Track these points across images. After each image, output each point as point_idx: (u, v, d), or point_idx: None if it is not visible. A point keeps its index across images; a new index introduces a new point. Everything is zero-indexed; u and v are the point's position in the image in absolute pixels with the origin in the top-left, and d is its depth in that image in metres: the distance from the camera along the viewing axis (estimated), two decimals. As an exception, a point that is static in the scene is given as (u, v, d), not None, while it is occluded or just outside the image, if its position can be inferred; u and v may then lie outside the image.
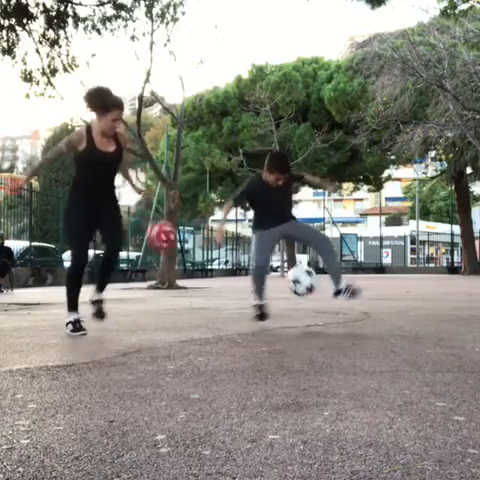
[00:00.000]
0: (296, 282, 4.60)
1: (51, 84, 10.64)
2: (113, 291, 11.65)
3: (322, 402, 2.18)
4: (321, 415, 2.00)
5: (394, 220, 54.10)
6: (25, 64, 10.37)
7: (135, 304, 7.87)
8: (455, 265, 33.71)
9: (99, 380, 2.59)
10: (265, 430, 1.82)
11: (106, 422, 1.91)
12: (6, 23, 9.75)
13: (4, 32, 9.79)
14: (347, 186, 37.65)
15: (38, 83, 10.55)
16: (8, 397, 2.27)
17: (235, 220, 37.90)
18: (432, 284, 16.60)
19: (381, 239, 37.69)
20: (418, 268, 35.33)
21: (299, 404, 2.15)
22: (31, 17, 9.88)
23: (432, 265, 38.35)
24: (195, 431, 1.81)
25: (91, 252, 15.79)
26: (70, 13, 10.21)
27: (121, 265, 23.12)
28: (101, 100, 4.02)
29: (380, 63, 22.29)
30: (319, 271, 5.52)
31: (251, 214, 5.09)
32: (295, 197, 40.81)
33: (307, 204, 55.27)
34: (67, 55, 10.47)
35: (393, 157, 29.00)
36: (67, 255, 18.94)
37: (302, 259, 33.98)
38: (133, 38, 11.27)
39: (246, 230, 42.63)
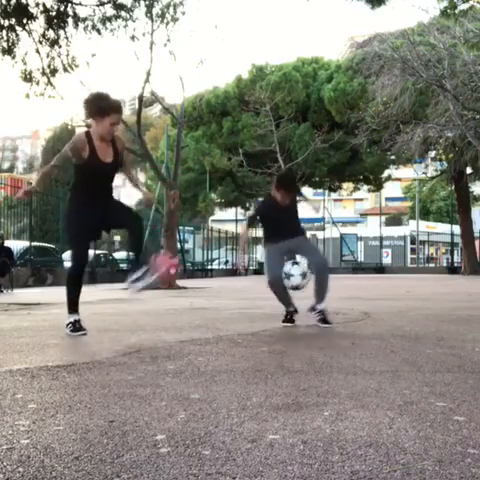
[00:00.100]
0: (288, 276, 4.61)
1: (51, 84, 10.64)
2: (113, 291, 11.67)
3: (322, 402, 2.18)
4: (321, 415, 2.00)
5: (394, 220, 54.08)
6: (25, 64, 10.38)
7: (135, 304, 7.87)
8: (455, 265, 33.70)
9: (99, 380, 2.59)
10: (265, 430, 1.82)
11: (106, 422, 1.91)
12: (6, 23, 9.74)
13: (4, 32, 9.79)
14: (347, 186, 37.62)
15: (38, 83, 10.55)
16: (8, 397, 2.27)
17: (235, 220, 37.91)
18: (432, 284, 16.60)
19: (381, 239, 37.68)
20: (418, 268, 35.32)
21: (299, 404, 2.15)
22: (31, 17, 9.88)
23: (432, 265, 38.33)
24: (195, 431, 1.81)
25: (91, 252, 15.80)
26: (70, 13, 10.21)
27: (121, 265, 23.13)
28: (98, 105, 4.03)
29: (380, 63, 22.30)
30: None
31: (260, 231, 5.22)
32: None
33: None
34: (67, 55, 10.47)
35: (393, 157, 29.01)
36: (67, 255, 18.94)
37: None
38: (133, 38, 11.27)
39: (246, 230, 42.59)
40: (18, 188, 17.84)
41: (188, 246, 28.52)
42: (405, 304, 7.86)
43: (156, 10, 11.96)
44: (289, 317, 4.88)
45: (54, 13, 10.07)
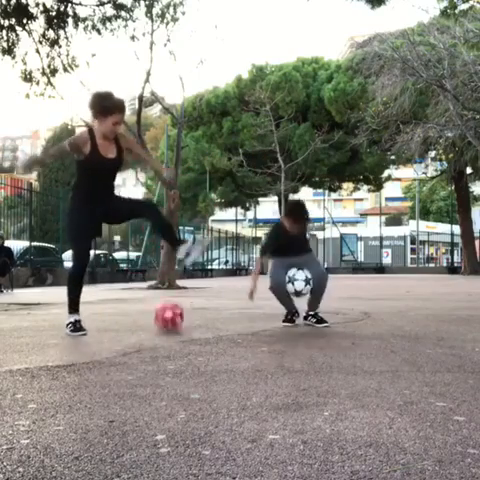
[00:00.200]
0: (293, 280, 4.63)
1: (51, 84, 10.64)
2: (113, 291, 11.68)
3: (322, 402, 2.18)
4: (321, 415, 2.00)
5: (394, 220, 54.08)
6: (25, 64, 10.37)
7: (135, 304, 7.87)
8: (455, 265, 33.70)
9: (99, 380, 2.59)
10: (265, 430, 1.82)
11: (106, 422, 1.91)
12: (6, 23, 9.74)
13: (4, 32, 9.78)
14: (347, 186, 37.64)
15: (38, 83, 10.55)
16: (8, 397, 2.27)
17: (235, 220, 37.91)
18: (432, 284, 16.60)
19: (381, 239, 37.67)
20: (418, 268, 35.31)
21: (299, 404, 2.15)
22: (31, 17, 9.88)
23: (432, 265, 38.32)
24: (195, 431, 1.81)
25: (91, 252, 15.78)
26: (70, 13, 10.20)
27: (121, 265, 23.14)
28: (101, 104, 4.04)
29: (380, 63, 22.30)
30: None
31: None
32: (295, 197, 40.82)
33: (307, 204, 55.12)
34: (67, 55, 10.47)
35: (393, 157, 29.02)
36: (67, 255, 18.94)
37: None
38: (133, 38, 11.27)
39: (246, 230, 42.67)
40: (18, 188, 17.85)
41: (188, 246, 28.48)
42: (405, 304, 7.86)
43: (156, 10, 11.97)
44: (289, 317, 4.89)
45: (54, 13, 10.07)
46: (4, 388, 2.43)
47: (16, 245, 15.40)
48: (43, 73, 10.52)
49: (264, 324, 4.94)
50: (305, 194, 44.50)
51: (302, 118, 29.13)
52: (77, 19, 10.29)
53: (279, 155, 25.93)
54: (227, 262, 32.98)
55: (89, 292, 9.18)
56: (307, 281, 4.63)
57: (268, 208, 48.13)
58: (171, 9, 12.17)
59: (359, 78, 26.81)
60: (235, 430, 1.82)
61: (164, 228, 4.51)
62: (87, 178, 4.20)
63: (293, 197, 38.07)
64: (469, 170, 28.59)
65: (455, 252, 35.70)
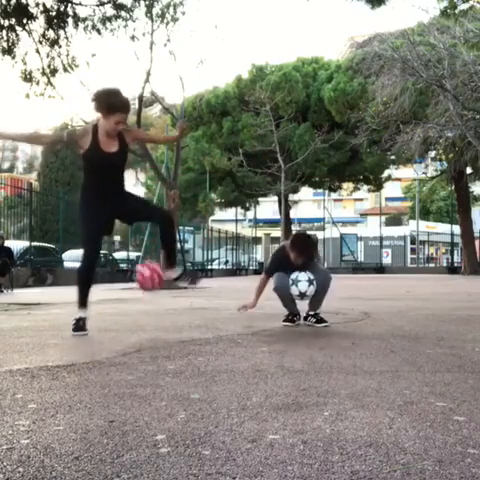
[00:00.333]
0: (296, 282, 4.63)
1: (51, 84, 10.64)
2: (113, 291, 11.67)
3: (322, 402, 2.18)
4: (321, 415, 2.00)
5: (394, 220, 54.09)
6: (25, 64, 10.37)
7: (135, 304, 7.87)
8: (455, 265, 33.70)
9: (99, 380, 2.59)
10: (265, 430, 1.82)
11: (106, 422, 1.91)
12: (6, 23, 9.74)
13: (4, 32, 9.78)
14: (347, 186, 37.64)
15: (38, 83, 10.54)
16: (8, 397, 2.27)
17: (235, 220, 37.92)
18: (432, 284, 16.61)
19: (381, 239, 37.68)
20: (418, 268, 35.32)
21: (299, 404, 2.15)
22: (31, 17, 9.88)
23: (432, 265, 38.33)
24: (195, 431, 1.81)
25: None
26: (70, 13, 10.20)
27: (121, 265, 23.13)
28: (107, 101, 4.04)
29: (380, 63, 22.30)
30: None
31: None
32: (295, 197, 40.83)
33: (307, 204, 55.27)
34: (67, 55, 10.47)
35: (393, 157, 29.02)
36: (67, 255, 18.95)
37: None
38: (133, 38, 11.27)
39: (246, 230, 42.67)
40: (18, 188, 17.86)
41: (188, 246, 28.53)
42: (405, 304, 7.86)
43: (156, 10, 11.97)
44: (290, 317, 4.89)
45: (54, 13, 10.06)
46: (4, 388, 2.43)
47: (16, 245, 15.41)
48: (43, 73, 10.52)
49: (264, 324, 4.94)
50: (305, 194, 44.59)
51: (302, 118, 29.13)
52: (77, 19, 10.29)
53: (279, 155, 25.94)
54: (227, 262, 32.99)
55: (93, 292, 9.14)
56: (310, 281, 4.63)
57: (268, 208, 48.17)
58: (171, 9, 12.17)
59: (359, 78, 26.82)
60: (235, 430, 1.82)
61: (170, 234, 4.53)
62: (92, 175, 4.22)
63: (293, 197, 38.09)
64: (469, 170, 28.60)
65: (455, 252, 35.71)
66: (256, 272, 32.38)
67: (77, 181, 33.96)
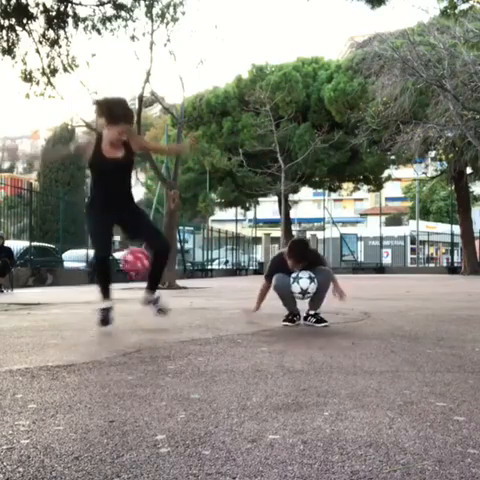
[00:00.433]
0: (297, 279, 4.63)
1: (51, 84, 10.64)
2: (113, 291, 11.63)
3: (322, 402, 2.18)
4: (321, 415, 2.00)
5: (394, 220, 54.08)
6: (25, 64, 10.37)
7: (135, 304, 7.85)
8: (455, 265, 33.69)
9: (99, 380, 2.59)
10: (265, 430, 1.82)
11: (106, 422, 1.91)
12: (6, 23, 9.74)
13: (4, 32, 9.78)
14: (347, 186, 37.64)
15: (38, 83, 10.54)
16: (8, 397, 2.27)
17: (235, 220, 37.90)
18: (432, 284, 16.61)
19: (381, 239, 37.66)
20: (418, 268, 35.31)
21: (299, 404, 2.15)
22: (31, 17, 9.87)
23: (432, 265, 38.32)
24: (195, 431, 1.81)
25: (91, 252, 15.77)
26: (70, 13, 10.20)
27: (121, 265, 23.10)
28: (111, 111, 4.06)
29: (380, 63, 22.29)
30: None
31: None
32: (295, 197, 40.82)
33: (307, 204, 55.26)
34: (67, 55, 10.46)
35: (393, 157, 29.01)
36: (67, 255, 18.95)
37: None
38: (133, 38, 11.26)
39: (246, 230, 42.65)
40: (18, 188, 17.86)
41: (188, 246, 28.51)
42: (405, 304, 7.86)
43: (156, 10, 11.95)
44: (291, 317, 4.90)
45: (54, 13, 10.06)
46: (4, 388, 2.44)
47: (16, 245, 15.40)
48: (43, 73, 10.51)
49: (264, 324, 4.94)
50: (305, 194, 44.56)
51: (302, 118, 29.12)
52: (77, 19, 10.28)
53: (279, 155, 25.92)
54: (227, 262, 32.97)
55: (89, 292, 9.16)
56: (312, 279, 4.63)
57: (268, 208, 48.16)
58: (171, 9, 12.16)
59: (359, 78, 26.81)
60: (235, 430, 1.82)
61: (158, 269, 4.62)
62: (98, 183, 4.29)
63: (293, 197, 38.05)
64: (469, 170, 28.59)
65: (455, 252, 35.69)
66: (256, 272, 32.37)
67: (77, 181, 33.96)
